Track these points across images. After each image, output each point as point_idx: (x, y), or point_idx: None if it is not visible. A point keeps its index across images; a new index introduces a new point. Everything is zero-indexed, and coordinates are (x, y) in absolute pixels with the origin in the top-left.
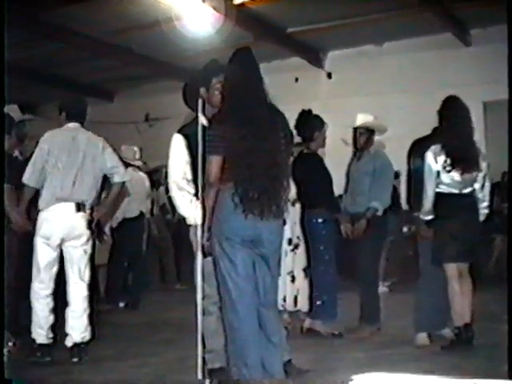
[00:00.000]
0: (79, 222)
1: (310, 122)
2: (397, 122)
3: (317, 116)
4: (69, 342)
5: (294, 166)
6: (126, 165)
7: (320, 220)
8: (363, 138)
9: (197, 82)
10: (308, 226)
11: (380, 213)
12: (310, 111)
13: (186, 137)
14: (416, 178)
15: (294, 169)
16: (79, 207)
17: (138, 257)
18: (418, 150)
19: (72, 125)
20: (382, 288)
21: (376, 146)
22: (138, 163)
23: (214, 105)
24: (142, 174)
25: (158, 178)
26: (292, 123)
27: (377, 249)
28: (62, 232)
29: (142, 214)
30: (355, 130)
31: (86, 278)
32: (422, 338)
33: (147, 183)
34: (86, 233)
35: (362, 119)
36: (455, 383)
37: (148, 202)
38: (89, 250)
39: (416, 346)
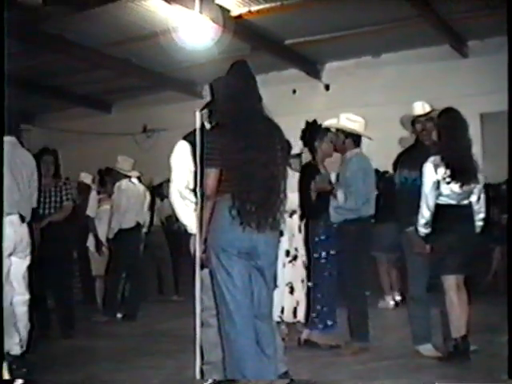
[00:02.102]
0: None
1: (310, 132)
2: (396, 133)
3: (318, 125)
4: None
5: (300, 177)
6: (123, 175)
7: (321, 231)
8: (338, 142)
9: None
10: (311, 237)
11: (335, 220)
12: (314, 122)
13: (190, 144)
14: (403, 190)
15: (300, 180)
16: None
17: (136, 268)
18: (404, 161)
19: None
20: (389, 302)
21: (357, 151)
22: (135, 174)
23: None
24: (138, 184)
25: (162, 191)
26: (289, 135)
27: (358, 262)
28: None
29: (138, 224)
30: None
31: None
32: (428, 348)
33: (146, 195)
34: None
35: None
36: None
37: (146, 213)
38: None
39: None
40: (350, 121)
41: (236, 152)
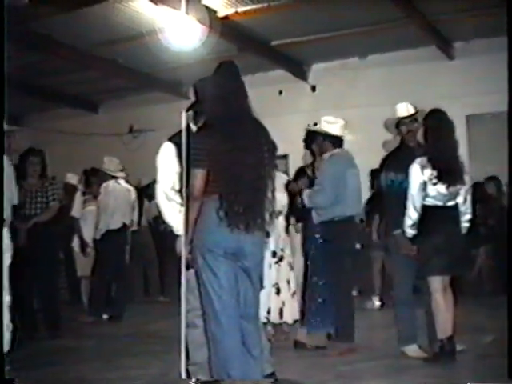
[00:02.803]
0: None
1: (308, 137)
2: (382, 134)
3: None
4: None
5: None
6: (109, 176)
7: (316, 232)
8: (320, 145)
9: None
10: (304, 238)
11: (316, 221)
12: (315, 124)
13: (176, 145)
14: (390, 193)
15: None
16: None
17: (122, 268)
18: (389, 164)
19: None
20: (375, 302)
21: (334, 152)
22: (121, 175)
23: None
24: (125, 185)
25: (150, 192)
26: (275, 136)
27: (338, 262)
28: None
29: (125, 225)
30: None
31: None
32: (414, 349)
33: (132, 195)
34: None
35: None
36: None
37: (133, 213)
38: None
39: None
40: (329, 123)
41: (224, 153)
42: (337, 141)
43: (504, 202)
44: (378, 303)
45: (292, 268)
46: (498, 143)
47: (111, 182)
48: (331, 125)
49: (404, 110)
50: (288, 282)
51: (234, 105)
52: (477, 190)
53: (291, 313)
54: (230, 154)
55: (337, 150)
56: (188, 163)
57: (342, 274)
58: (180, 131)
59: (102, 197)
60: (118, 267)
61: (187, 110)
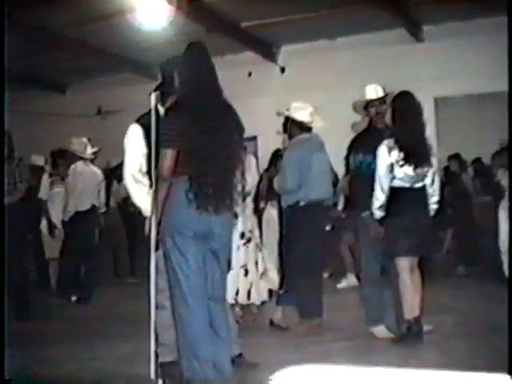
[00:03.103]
0: None
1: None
2: (350, 116)
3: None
4: None
5: None
6: (77, 157)
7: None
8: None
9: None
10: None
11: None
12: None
13: (143, 126)
14: (358, 175)
15: None
16: None
17: (91, 250)
18: (357, 146)
19: None
20: (344, 282)
21: (300, 137)
22: (89, 156)
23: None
24: (93, 167)
25: (119, 173)
26: (245, 117)
27: (305, 241)
28: None
29: (94, 207)
30: None
31: None
32: (382, 330)
33: (99, 176)
34: None
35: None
36: (408, 374)
37: (101, 195)
38: None
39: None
40: (296, 109)
41: (194, 134)
42: (304, 126)
43: (467, 180)
44: (355, 280)
45: (260, 249)
46: (465, 125)
47: (79, 164)
48: (299, 110)
49: (373, 92)
50: (256, 263)
51: (205, 86)
52: (446, 172)
53: (259, 294)
54: (201, 135)
55: (303, 135)
56: (157, 144)
57: (309, 254)
58: (147, 112)
59: (71, 178)
60: (86, 249)
61: (154, 90)
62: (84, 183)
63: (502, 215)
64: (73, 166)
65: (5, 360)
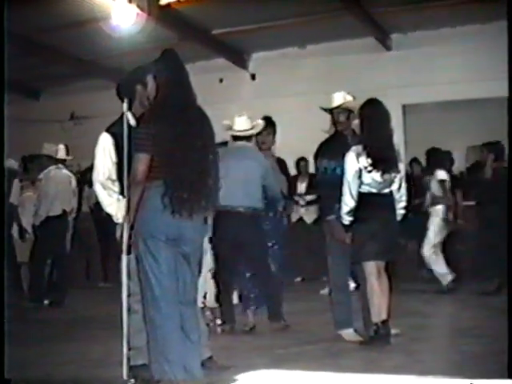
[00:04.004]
0: None
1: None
2: (320, 123)
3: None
4: None
5: None
6: (52, 162)
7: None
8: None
9: (134, 78)
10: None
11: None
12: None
13: (113, 135)
14: (324, 180)
15: None
16: None
17: (62, 255)
18: (324, 151)
19: None
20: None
21: (229, 146)
22: (61, 161)
23: (148, 102)
24: (66, 172)
25: (90, 178)
26: (217, 123)
27: (264, 245)
28: None
29: (65, 212)
30: None
31: None
32: (350, 333)
33: (72, 182)
34: None
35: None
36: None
37: (73, 200)
38: None
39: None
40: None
41: (169, 139)
42: (235, 136)
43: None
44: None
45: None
46: (433, 132)
47: (52, 168)
48: (235, 120)
49: (340, 98)
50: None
51: (179, 91)
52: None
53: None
54: (176, 140)
55: (230, 144)
56: (130, 150)
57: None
58: (118, 120)
59: (43, 183)
60: (58, 253)
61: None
62: (57, 188)
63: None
64: (45, 171)
65: (5, 360)
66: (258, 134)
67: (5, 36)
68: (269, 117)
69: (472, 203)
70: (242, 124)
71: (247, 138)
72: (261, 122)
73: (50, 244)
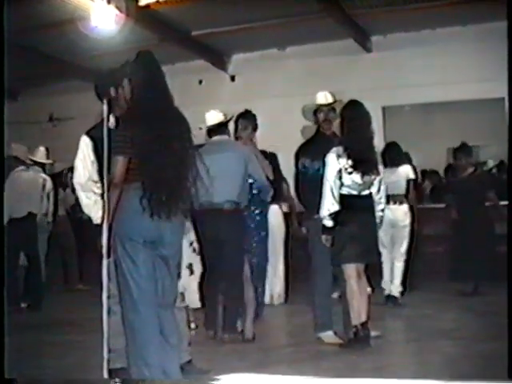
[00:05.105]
0: None
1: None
2: (299, 124)
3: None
4: None
5: None
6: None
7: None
8: None
9: (108, 81)
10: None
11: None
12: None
13: (92, 139)
14: (304, 180)
15: None
16: None
17: (35, 257)
18: (304, 151)
19: None
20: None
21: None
22: (30, 162)
23: (126, 104)
24: (34, 173)
25: (64, 179)
26: (196, 125)
27: (235, 247)
28: None
29: (30, 214)
30: None
31: None
32: (330, 336)
33: (47, 184)
34: None
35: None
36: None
37: (45, 202)
38: None
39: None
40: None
41: (147, 141)
42: (211, 132)
43: None
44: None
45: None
46: (413, 134)
47: (18, 170)
48: (208, 118)
49: (323, 97)
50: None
51: (156, 94)
52: None
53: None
54: (153, 141)
55: (206, 141)
56: (109, 151)
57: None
58: (98, 124)
59: (6, 185)
60: (30, 256)
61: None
62: (21, 189)
63: None
64: (11, 172)
65: (5, 360)
66: (236, 130)
67: (5, 40)
68: (249, 110)
69: (442, 206)
70: (212, 118)
71: (222, 131)
72: (233, 113)
73: (16, 247)
